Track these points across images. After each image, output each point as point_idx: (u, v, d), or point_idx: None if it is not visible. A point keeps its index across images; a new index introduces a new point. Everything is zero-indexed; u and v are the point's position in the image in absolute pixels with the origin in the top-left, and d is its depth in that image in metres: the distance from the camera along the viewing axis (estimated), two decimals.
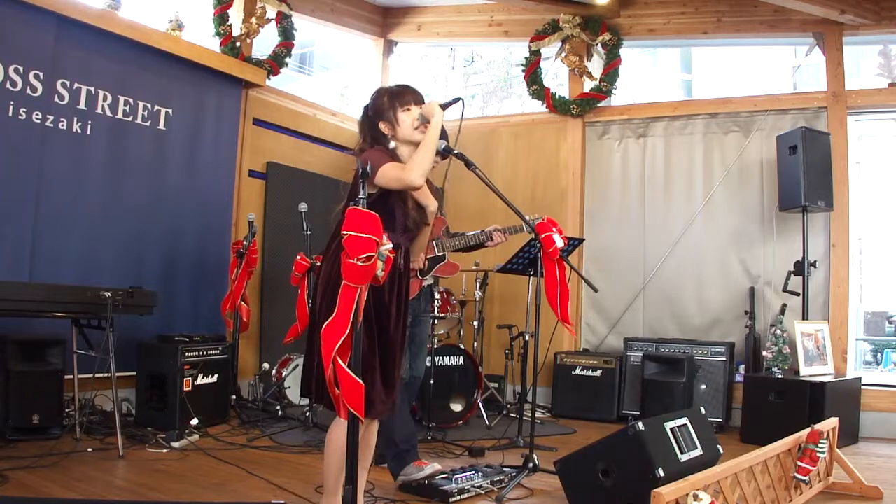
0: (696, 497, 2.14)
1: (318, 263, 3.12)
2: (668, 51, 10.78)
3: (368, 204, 2.17)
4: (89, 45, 4.47)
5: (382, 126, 2.52)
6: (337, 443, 2.36)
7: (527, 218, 3.32)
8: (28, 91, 4.15)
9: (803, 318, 4.90)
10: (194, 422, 4.10)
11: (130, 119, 4.74)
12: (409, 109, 2.50)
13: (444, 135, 2.86)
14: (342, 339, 2.04)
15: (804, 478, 2.91)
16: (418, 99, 2.53)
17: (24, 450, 3.46)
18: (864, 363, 6.97)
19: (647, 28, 6.06)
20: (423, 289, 3.49)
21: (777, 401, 4.50)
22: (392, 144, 2.51)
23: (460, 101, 2.54)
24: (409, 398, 3.58)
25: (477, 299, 5.61)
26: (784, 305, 5.18)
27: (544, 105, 6.26)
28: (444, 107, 2.47)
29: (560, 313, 3.24)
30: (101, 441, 3.80)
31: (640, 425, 2.61)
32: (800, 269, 4.98)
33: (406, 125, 2.48)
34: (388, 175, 2.29)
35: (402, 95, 2.53)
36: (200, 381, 4.36)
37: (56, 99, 4.30)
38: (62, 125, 4.34)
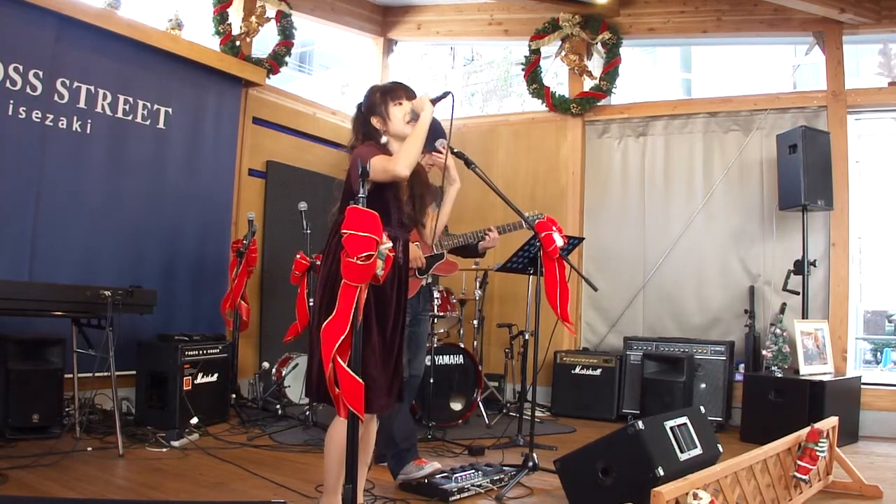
0: (695, 496, 2.14)
1: (318, 262, 3.12)
2: (668, 50, 10.77)
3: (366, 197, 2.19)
4: (89, 44, 4.46)
5: (374, 121, 2.54)
6: (337, 441, 2.37)
7: (526, 215, 3.33)
8: (28, 90, 4.15)
9: (803, 317, 4.90)
10: (194, 421, 4.10)
11: (130, 118, 4.74)
12: (400, 104, 2.52)
13: (443, 133, 2.86)
14: (342, 338, 2.04)
15: (804, 477, 2.91)
16: (410, 95, 2.55)
17: (24, 449, 3.46)
18: (864, 362, 6.98)
19: (646, 27, 6.06)
20: (421, 287, 3.48)
21: (777, 400, 4.50)
22: (384, 140, 2.53)
23: (450, 95, 2.55)
24: (409, 397, 3.58)
25: (477, 298, 5.61)
26: (784, 304, 5.18)
27: (544, 104, 6.26)
28: (434, 101, 2.48)
29: (560, 312, 3.24)
30: (100, 440, 3.80)
31: (640, 424, 2.61)
32: (800, 268, 4.98)
33: (397, 119, 2.51)
34: (376, 168, 2.29)
35: (394, 91, 2.55)
36: (200, 379, 4.36)
37: (56, 98, 4.30)
38: (62, 124, 4.34)
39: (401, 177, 2.37)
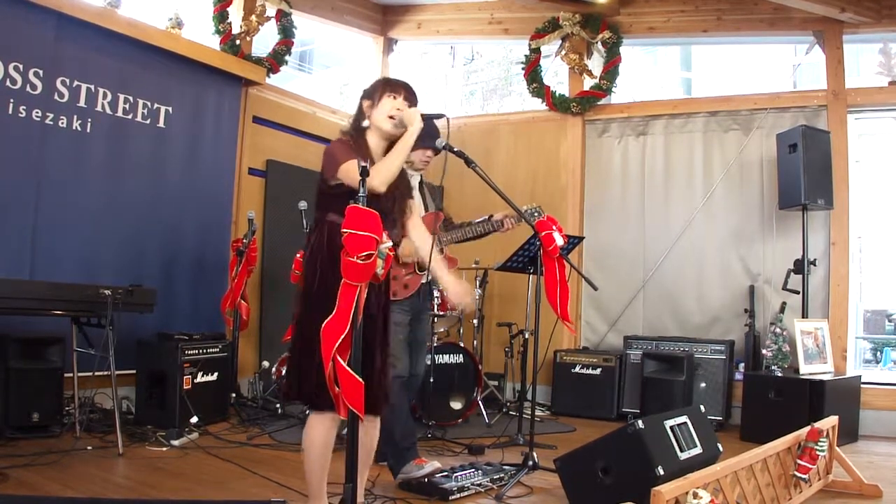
0: (695, 495, 2.14)
1: None
2: (669, 49, 10.77)
3: (339, 194, 2.18)
4: (89, 43, 4.46)
5: (365, 103, 2.50)
6: (315, 442, 2.34)
7: (524, 209, 3.32)
8: (28, 89, 4.15)
9: (803, 317, 4.90)
10: (194, 420, 4.11)
11: (130, 117, 4.73)
12: (393, 98, 2.47)
13: (439, 132, 2.85)
14: (342, 337, 2.04)
15: (804, 476, 2.92)
16: (409, 97, 2.50)
17: (24, 448, 3.46)
18: (864, 361, 6.96)
19: (647, 26, 6.05)
20: (422, 285, 3.45)
21: (777, 399, 4.50)
22: (366, 123, 2.49)
23: (444, 118, 2.52)
24: (410, 396, 3.57)
25: (477, 297, 5.61)
26: (784, 304, 5.18)
27: (544, 103, 6.26)
28: (424, 117, 2.43)
29: (560, 311, 3.24)
30: (100, 439, 3.80)
31: (640, 423, 2.61)
32: (800, 267, 4.98)
33: (383, 110, 2.45)
34: (350, 175, 2.24)
35: (395, 85, 2.51)
36: (200, 378, 4.36)
37: (56, 97, 4.30)
38: (62, 123, 4.34)
39: (376, 192, 2.30)
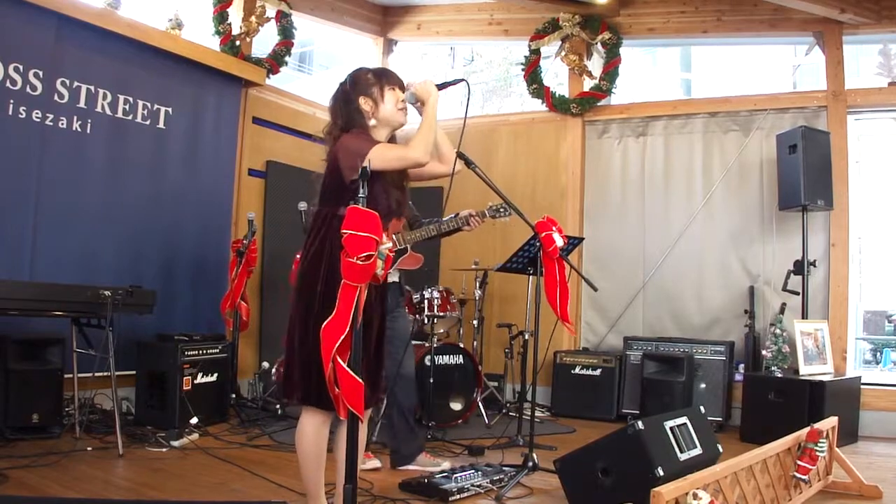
0: (695, 496, 2.14)
1: None
2: (668, 50, 10.77)
3: (353, 190, 2.15)
4: (89, 43, 4.47)
5: (363, 102, 2.40)
6: (308, 440, 2.33)
7: (489, 205, 3.32)
8: (28, 90, 4.16)
9: (803, 318, 4.90)
10: (194, 421, 4.11)
11: (130, 118, 4.74)
12: (393, 90, 2.43)
13: None
14: (342, 337, 2.03)
15: (804, 477, 2.91)
16: (402, 84, 2.47)
17: (24, 449, 3.47)
18: (864, 362, 6.96)
19: (646, 27, 6.05)
20: (387, 284, 3.41)
21: (776, 400, 4.50)
22: (372, 122, 2.41)
23: (463, 83, 2.49)
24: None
25: (476, 298, 5.60)
26: (784, 304, 5.18)
27: (544, 104, 6.26)
28: (440, 87, 2.41)
29: (560, 312, 3.24)
30: (100, 440, 3.80)
31: (640, 424, 2.61)
32: (799, 268, 4.98)
33: (391, 103, 2.41)
34: (387, 157, 2.20)
35: (389, 75, 2.47)
36: (200, 379, 4.36)
37: (56, 98, 4.31)
38: (62, 124, 4.35)
39: (422, 164, 2.32)
